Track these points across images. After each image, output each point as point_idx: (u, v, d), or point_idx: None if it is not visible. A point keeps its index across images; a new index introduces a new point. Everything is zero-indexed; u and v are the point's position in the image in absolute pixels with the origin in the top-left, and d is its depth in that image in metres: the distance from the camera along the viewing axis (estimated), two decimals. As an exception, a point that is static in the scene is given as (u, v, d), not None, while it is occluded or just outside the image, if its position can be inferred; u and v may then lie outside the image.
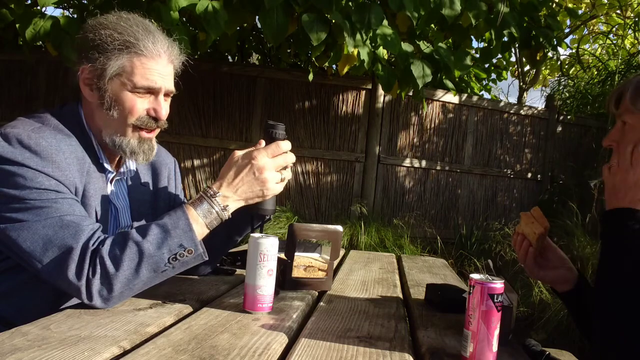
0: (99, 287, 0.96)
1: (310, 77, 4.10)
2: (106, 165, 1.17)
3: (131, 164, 1.26)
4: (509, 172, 5.72)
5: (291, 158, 1.12)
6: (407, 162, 5.44)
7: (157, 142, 1.40)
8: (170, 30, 2.72)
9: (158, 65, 1.11)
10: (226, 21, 3.01)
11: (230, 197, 1.08)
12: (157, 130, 1.19)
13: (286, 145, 1.11)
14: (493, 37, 3.97)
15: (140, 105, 1.12)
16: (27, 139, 1.00)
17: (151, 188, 1.33)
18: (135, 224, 1.25)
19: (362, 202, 5.14)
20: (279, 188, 1.11)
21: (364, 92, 5.35)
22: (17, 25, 3.07)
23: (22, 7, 3.18)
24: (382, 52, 3.66)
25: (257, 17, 3.64)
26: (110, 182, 1.21)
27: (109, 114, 1.12)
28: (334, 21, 3.11)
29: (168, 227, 1.00)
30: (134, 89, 1.10)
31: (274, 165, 1.09)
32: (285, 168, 1.12)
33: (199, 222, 1.04)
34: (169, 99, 1.20)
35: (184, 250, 1.00)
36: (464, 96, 5.59)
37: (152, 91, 1.12)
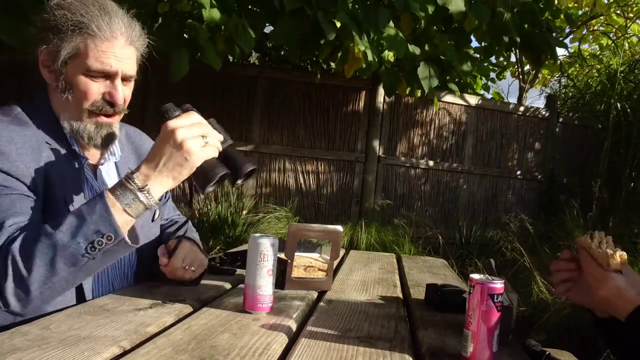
0: (13, 290, 0.89)
1: (318, 77, 4.13)
2: (79, 152, 1.13)
3: (116, 149, 1.22)
4: (509, 172, 5.72)
5: (210, 130, 1.01)
6: (407, 162, 5.44)
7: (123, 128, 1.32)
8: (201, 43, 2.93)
9: (114, 47, 1.06)
10: (254, 38, 3.21)
11: (152, 175, 0.96)
12: (118, 116, 1.14)
13: (196, 115, 1.01)
14: (492, 41, 4.01)
15: (95, 89, 1.07)
16: None
17: None
18: None
19: (373, 199, 5.14)
20: (208, 152, 0.98)
21: (364, 92, 5.35)
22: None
23: None
24: (387, 54, 3.69)
25: (269, 24, 3.78)
26: (95, 168, 1.18)
27: (64, 98, 1.08)
28: (339, 24, 3.16)
29: (84, 214, 0.92)
30: (88, 72, 1.05)
31: (189, 132, 0.96)
32: (205, 136, 0.99)
33: (117, 206, 0.94)
34: (130, 84, 1.15)
35: (102, 237, 0.91)
36: (464, 96, 5.59)
37: (107, 75, 1.07)
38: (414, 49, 3.64)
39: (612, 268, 0.91)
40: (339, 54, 3.63)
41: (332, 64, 4.41)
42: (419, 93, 4.34)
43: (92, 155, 1.19)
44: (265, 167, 5.30)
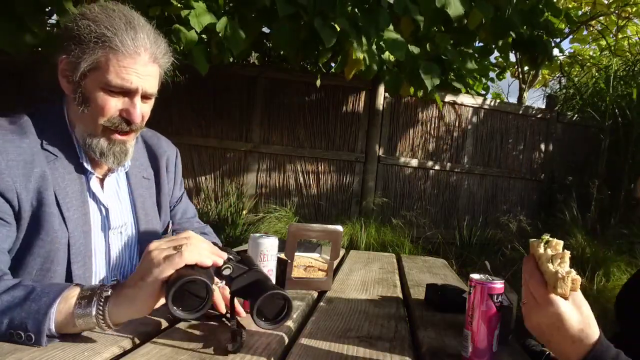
0: None
1: (318, 82, 4.15)
2: (87, 166, 1.10)
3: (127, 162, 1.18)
4: (509, 172, 5.72)
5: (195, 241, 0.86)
6: (407, 162, 5.44)
7: (143, 140, 1.29)
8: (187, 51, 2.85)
9: (136, 64, 1.02)
10: (244, 40, 3.13)
11: (118, 287, 0.82)
12: (133, 134, 1.10)
13: (186, 232, 0.89)
14: (495, 39, 4.03)
15: (112, 105, 1.03)
16: None
17: (152, 179, 1.28)
18: (142, 223, 1.21)
19: (371, 198, 5.14)
20: (175, 260, 0.81)
21: (364, 92, 5.35)
22: (39, 49, 3.10)
23: (45, 30, 3.17)
24: (388, 55, 3.70)
25: (264, 26, 3.77)
26: (102, 181, 1.15)
27: (80, 111, 1.05)
28: (339, 29, 3.16)
29: (31, 295, 0.80)
30: (107, 87, 1.01)
31: (160, 243, 0.85)
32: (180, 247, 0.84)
33: (68, 306, 0.80)
34: (150, 102, 1.11)
35: (23, 333, 0.77)
36: (464, 96, 5.59)
37: (127, 91, 1.03)
38: (413, 49, 3.66)
39: (559, 294, 0.73)
40: (339, 58, 3.65)
41: (333, 65, 4.43)
42: (420, 93, 4.36)
43: (102, 167, 1.15)
44: (265, 167, 5.31)
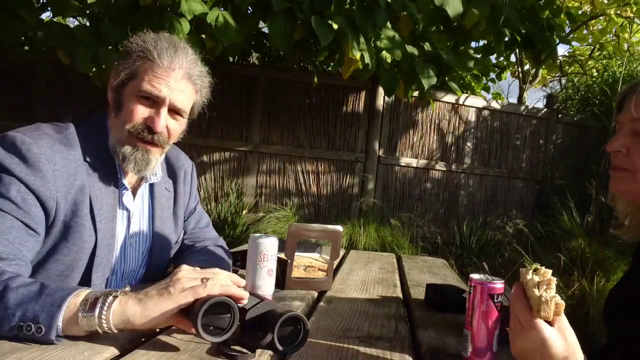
0: None
1: (315, 81, 4.15)
2: (124, 181, 1.15)
3: (158, 169, 1.22)
4: (509, 172, 5.72)
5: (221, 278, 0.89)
6: (407, 162, 5.44)
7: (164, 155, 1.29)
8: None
9: (169, 77, 1.09)
10: (236, 30, 3.07)
11: (127, 295, 0.83)
12: (157, 148, 1.14)
13: (216, 269, 0.92)
14: (493, 38, 4.01)
15: (139, 112, 1.09)
16: (20, 143, 0.98)
17: (172, 191, 1.33)
18: (158, 232, 1.24)
19: (364, 198, 5.14)
20: (198, 290, 0.83)
21: (364, 92, 5.35)
22: (29, 34, 3.09)
23: (35, 18, 3.17)
24: (385, 55, 3.69)
25: (260, 22, 3.72)
26: (133, 193, 1.19)
27: (113, 115, 1.12)
28: (336, 27, 3.15)
29: (46, 290, 0.81)
30: (138, 93, 1.08)
31: (189, 272, 0.88)
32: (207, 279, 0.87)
33: (76, 302, 0.80)
34: (181, 120, 1.15)
35: (34, 325, 0.77)
36: (464, 96, 5.59)
37: (156, 100, 1.09)
38: (411, 49, 3.65)
39: (542, 317, 0.73)
40: (337, 56, 3.63)
41: (330, 68, 4.43)
42: (416, 93, 4.34)
43: (133, 179, 1.19)
44: (265, 167, 5.31)
